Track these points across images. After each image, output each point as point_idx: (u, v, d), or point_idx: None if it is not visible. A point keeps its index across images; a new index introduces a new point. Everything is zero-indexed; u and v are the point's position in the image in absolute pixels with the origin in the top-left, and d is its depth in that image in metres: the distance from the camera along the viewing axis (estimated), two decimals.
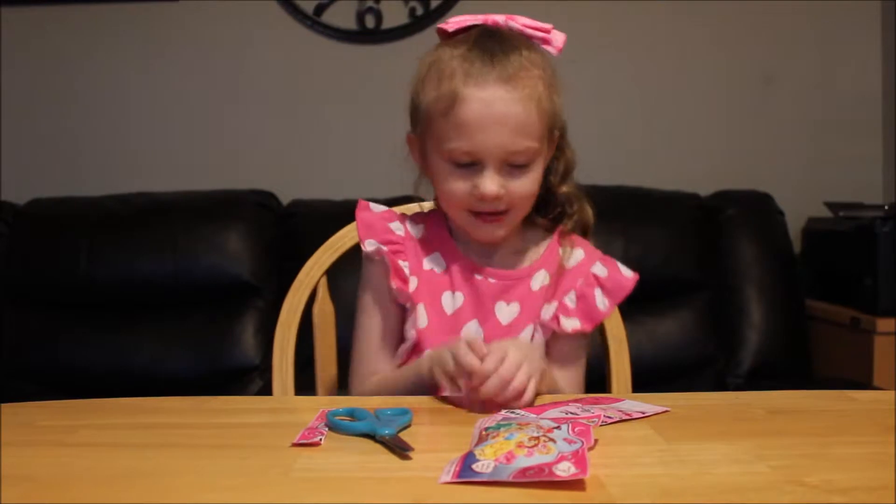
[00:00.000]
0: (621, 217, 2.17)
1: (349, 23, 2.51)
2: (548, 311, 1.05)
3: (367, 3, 2.51)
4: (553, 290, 1.06)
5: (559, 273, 1.06)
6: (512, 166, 0.97)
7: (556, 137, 1.05)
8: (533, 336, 1.04)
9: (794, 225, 2.41)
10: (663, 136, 2.54)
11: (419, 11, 2.50)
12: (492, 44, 0.98)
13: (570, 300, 1.05)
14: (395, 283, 1.03)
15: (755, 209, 2.35)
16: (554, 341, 1.06)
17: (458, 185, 0.98)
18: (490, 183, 0.96)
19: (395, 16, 2.50)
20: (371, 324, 1.06)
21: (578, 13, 2.47)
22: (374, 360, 1.06)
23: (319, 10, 2.50)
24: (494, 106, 0.94)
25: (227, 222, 2.25)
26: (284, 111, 2.53)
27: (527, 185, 0.99)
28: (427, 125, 1.00)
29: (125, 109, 2.52)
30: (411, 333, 1.03)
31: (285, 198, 2.38)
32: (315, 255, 1.19)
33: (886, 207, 2.14)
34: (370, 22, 2.51)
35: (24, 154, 2.49)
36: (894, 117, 2.49)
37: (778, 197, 2.37)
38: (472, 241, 1.06)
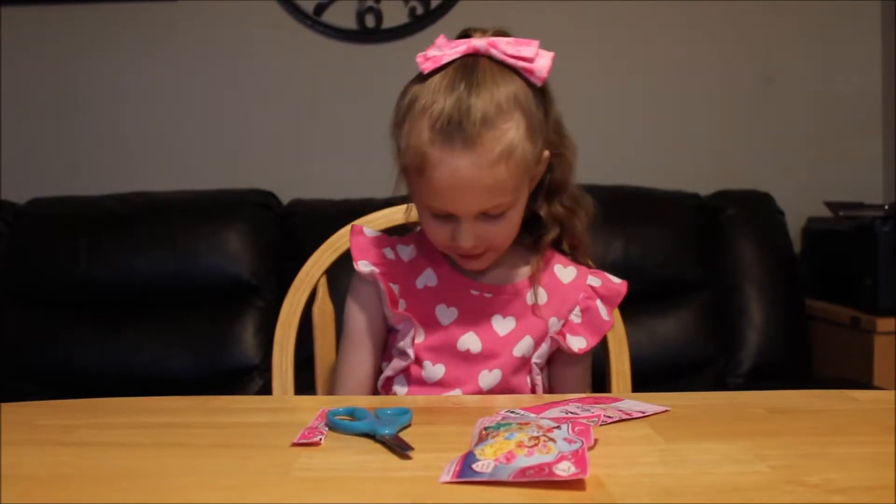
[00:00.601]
0: (621, 217, 2.17)
1: (349, 22, 2.51)
2: (555, 324, 1.07)
3: (367, 3, 2.51)
4: (555, 304, 1.07)
5: (555, 286, 1.08)
6: (488, 216, 0.97)
7: (545, 159, 1.02)
8: (537, 347, 1.05)
9: (794, 225, 2.41)
10: (663, 136, 2.54)
11: (419, 11, 2.50)
12: (462, 91, 0.93)
13: (575, 316, 1.07)
14: (388, 306, 1.04)
15: (755, 209, 2.35)
16: (565, 367, 1.09)
17: (438, 232, 1.00)
18: (466, 237, 0.97)
19: (395, 16, 2.50)
20: (349, 354, 1.09)
21: (578, 14, 2.47)
22: (346, 389, 1.09)
23: (319, 9, 2.50)
24: (461, 174, 0.93)
25: (227, 222, 2.25)
26: (284, 111, 2.53)
27: (503, 230, 0.99)
28: (404, 169, 1.00)
29: (125, 109, 2.52)
30: (408, 350, 1.03)
31: (285, 198, 2.38)
32: (315, 255, 1.19)
33: (886, 207, 2.14)
34: (370, 22, 2.51)
35: (24, 154, 2.49)
36: (894, 117, 2.49)
37: (778, 197, 2.37)
38: None
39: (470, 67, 0.95)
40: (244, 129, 2.54)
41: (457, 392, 1.03)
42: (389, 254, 1.08)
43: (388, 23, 2.50)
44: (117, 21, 2.49)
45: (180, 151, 2.53)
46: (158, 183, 2.38)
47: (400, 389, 1.05)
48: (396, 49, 2.49)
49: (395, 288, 1.06)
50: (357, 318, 1.08)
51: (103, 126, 2.52)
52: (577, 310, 1.07)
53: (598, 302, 1.08)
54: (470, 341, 1.03)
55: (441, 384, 1.03)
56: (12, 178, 2.45)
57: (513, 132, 0.94)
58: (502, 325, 1.05)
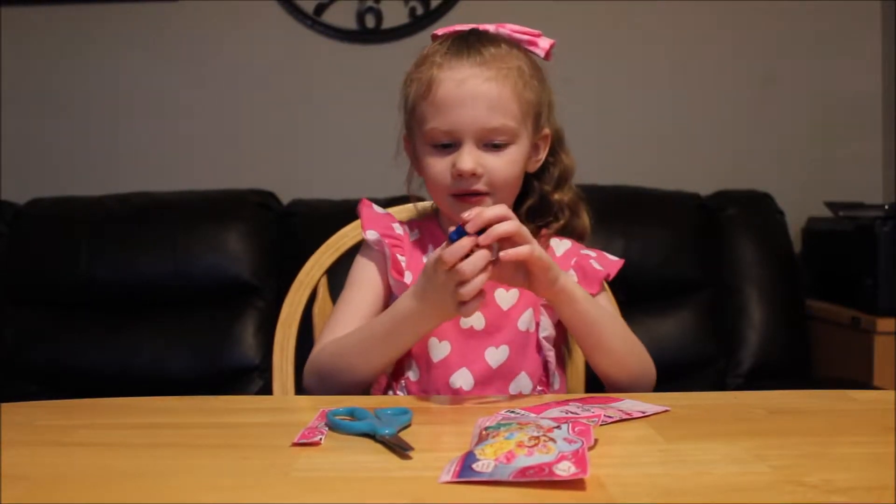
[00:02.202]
0: (621, 217, 2.17)
1: (349, 23, 2.51)
2: None
3: (367, 3, 2.51)
4: None
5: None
6: (489, 146, 1.00)
7: (545, 136, 1.07)
8: (539, 321, 1.05)
9: (794, 225, 2.41)
10: (663, 136, 2.54)
11: (419, 11, 2.50)
12: (473, 38, 1.02)
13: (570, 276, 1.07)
14: (392, 275, 1.05)
15: (755, 209, 2.35)
16: None
17: (439, 166, 1.01)
18: (467, 158, 0.98)
19: (395, 16, 2.50)
20: (355, 297, 1.07)
21: (578, 14, 2.47)
22: (342, 329, 1.05)
23: (319, 9, 2.50)
24: (467, 83, 0.98)
25: (227, 222, 2.25)
26: (284, 111, 2.53)
27: (503, 164, 1.00)
28: (412, 114, 1.04)
29: (125, 109, 2.52)
30: None
31: (285, 198, 2.38)
32: (315, 255, 1.19)
33: (886, 207, 2.14)
34: (370, 22, 2.51)
35: (24, 154, 2.49)
36: (894, 117, 2.49)
37: (778, 197, 2.37)
38: None
39: (480, 32, 1.04)
40: (244, 129, 2.53)
41: (463, 371, 1.02)
42: (398, 229, 1.09)
43: (388, 23, 2.50)
44: (117, 21, 2.48)
45: (180, 151, 2.53)
46: (158, 183, 2.37)
47: (411, 375, 1.04)
48: (396, 49, 2.49)
49: (403, 260, 1.06)
50: (364, 270, 1.08)
51: (103, 126, 2.51)
52: (570, 271, 1.07)
53: (592, 261, 1.08)
54: (472, 317, 1.03)
55: (447, 364, 1.02)
56: (12, 178, 2.44)
57: (518, 63, 1.01)
58: (505, 299, 1.05)
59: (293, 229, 2.27)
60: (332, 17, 2.51)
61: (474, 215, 0.88)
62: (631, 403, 0.86)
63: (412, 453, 0.68)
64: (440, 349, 1.03)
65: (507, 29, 1.04)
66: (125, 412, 0.88)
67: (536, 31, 1.05)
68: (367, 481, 0.64)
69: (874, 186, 2.52)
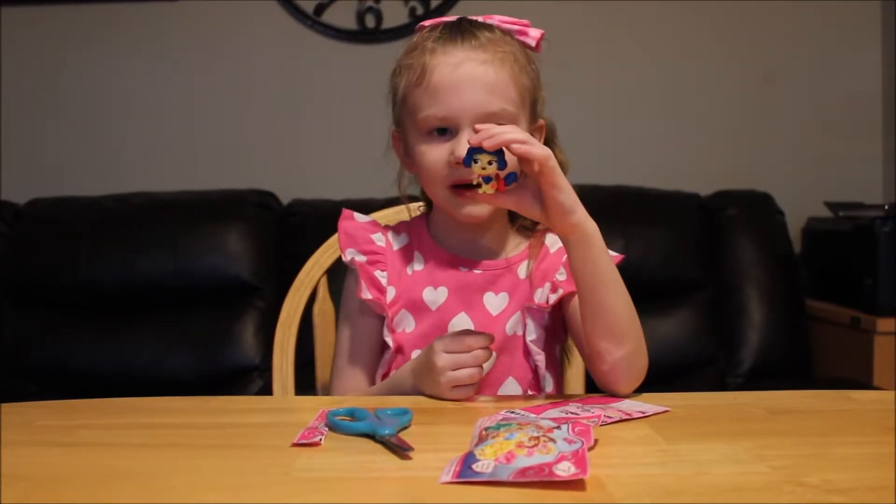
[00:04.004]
0: (621, 217, 2.17)
1: (349, 23, 2.51)
2: (541, 295, 1.03)
3: (367, 3, 2.51)
4: (540, 275, 1.04)
5: (543, 257, 1.05)
6: None
7: (540, 126, 1.03)
8: (525, 324, 1.01)
9: (794, 225, 2.41)
10: (663, 136, 2.54)
11: (419, 11, 2.50)
12: (465, 23, 0.99)
13: (560, 275, 1.02)
14: (371, 294, 1.01)
15: (755, 209, 2.35)
16: (573, 308, 1.00)
17: (435, 155, 0.96)
18: (465, 145, 0.90)
19: (395, 16, 2.50)
20: (345, 339, 1.05)
21: (578, 15, 2.47)
22: (347, 375, 1.05)
23: (319, 9, 2.50)
24: (463, 67, 0.95)
25: (227, 222, 2.25)
26: (284, 111, 2.53)
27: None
28: (403, 105, 1.00)
29: (125, 109, 2.52)
30: (389, 341, 1.02)
31: (285, 198, 2.38)
32: (315, 255, 1.19)
33: (886, 207, 2.14)
34: (370, 22, 2.51)
35: (24, 154, 2.49)
36: (894, 117, 2.49)
37: (778, 197, 2.37)
38: (453, 238, 1.04)
39: (470, 18, 1.01)
40: (244, 129, 2.54)
41: None
42: (380, 240, 1.06)
43: (388, 23, 2.50)
44: (117, 21, 2.49)
45: (180, 151, 2.53)
46: (158, 183, 2.38)
47: None
48: (396, 49, 2.47)
49: (384, 276, 1.03)
50: (353, 299, 1.05)
51: (103, 126, 2.52)
52: (561, 269, 1.02)
53: None
54: (461, 324, 1.01)
55: None
56: (12, 178, 2.45)
57: (512, 58, 0.97)
58: (495, 304, 1.02)
59: (293, 229, 2.27)
60: (332, 17, 2.51)
61: (482, 133, 0.85)
62: (631, 404, 0.86)
63: (412, 453, 0.68)
64: None
65: (496, 20, 1.00)
66: (125, 412, 0.88)
67: (525, 21, 1.02)
68: (367, 481, 0.64)
69: (874, 186, 2.52)
